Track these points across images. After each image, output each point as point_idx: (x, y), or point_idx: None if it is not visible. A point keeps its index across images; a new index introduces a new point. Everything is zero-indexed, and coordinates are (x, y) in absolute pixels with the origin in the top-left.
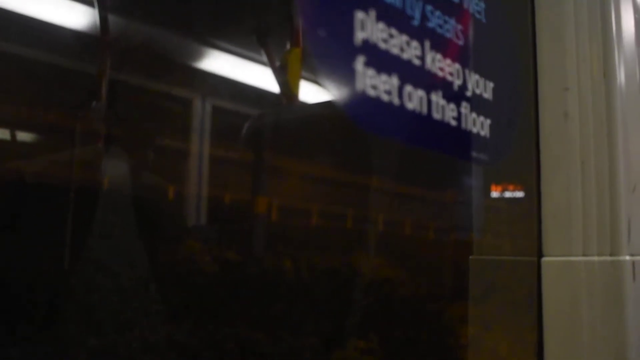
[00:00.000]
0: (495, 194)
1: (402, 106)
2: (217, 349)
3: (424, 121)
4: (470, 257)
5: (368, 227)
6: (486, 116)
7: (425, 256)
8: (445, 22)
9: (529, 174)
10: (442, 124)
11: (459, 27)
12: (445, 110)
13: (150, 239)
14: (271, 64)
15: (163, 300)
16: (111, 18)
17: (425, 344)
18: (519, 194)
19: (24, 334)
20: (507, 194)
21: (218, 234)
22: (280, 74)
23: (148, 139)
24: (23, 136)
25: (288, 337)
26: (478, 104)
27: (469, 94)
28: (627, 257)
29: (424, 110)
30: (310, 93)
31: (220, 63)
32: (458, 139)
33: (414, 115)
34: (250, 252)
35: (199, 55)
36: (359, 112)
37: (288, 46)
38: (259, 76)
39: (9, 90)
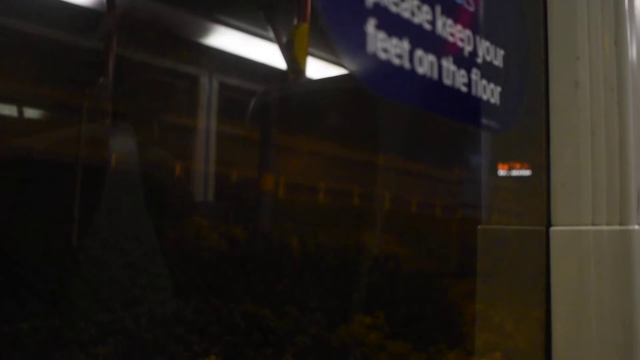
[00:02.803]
0: (504, 164)
1: (412, 70)
2: (224, 324)
3: (434, 86)
4: (479, 226)
5: (375, 204)
6: (496, 83)
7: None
8: None
9: (539, 143)
10: (453, 90)
11: None
12: (455, 76)
13: (157, 215)
14: (278, 40)
15: (171, 276)
16: None
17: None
18: (528, 164)
19: (33, 309)
20: (517, 164)
21: (225, 210)
22: (287, 49)
23: (155, 116)
24: (30, 113)
25: (294, 313)
26: (488, 71)
27: (479, 60)
28: (636, 227)
29: (435, 75)
30: (317, 69)
31: (227, 39)
32: (468, 105)
33: (425, 79)
34: (257, 228)
35: (205, 32)
36: (369, 75)
37: (295, 22)
38: (266, 52)
39: (16, 67)
